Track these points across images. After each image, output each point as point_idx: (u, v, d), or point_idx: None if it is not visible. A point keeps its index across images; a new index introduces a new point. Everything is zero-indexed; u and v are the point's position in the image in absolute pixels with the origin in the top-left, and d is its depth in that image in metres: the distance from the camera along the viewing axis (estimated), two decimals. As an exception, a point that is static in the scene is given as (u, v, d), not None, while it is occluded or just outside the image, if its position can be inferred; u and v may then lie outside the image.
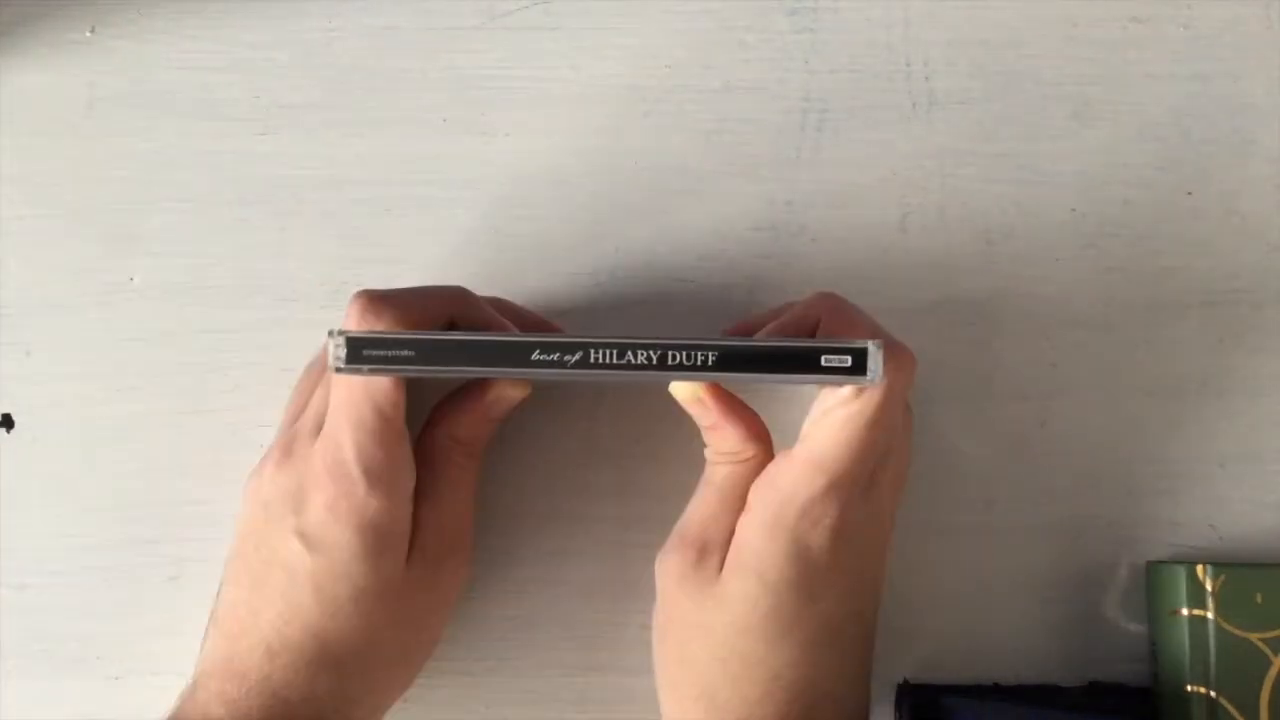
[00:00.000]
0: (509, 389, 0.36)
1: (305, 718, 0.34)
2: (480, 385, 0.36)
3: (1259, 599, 0.36)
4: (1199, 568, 0.37)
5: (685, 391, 0.35)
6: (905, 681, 0.39)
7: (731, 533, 0.35)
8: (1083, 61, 0.44)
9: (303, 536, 0.33)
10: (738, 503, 0.35)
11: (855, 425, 0.32)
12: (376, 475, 0.33)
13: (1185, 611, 0.37)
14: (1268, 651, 0.36)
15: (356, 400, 0.32)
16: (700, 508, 0.36)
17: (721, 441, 0.36)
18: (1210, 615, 0.36)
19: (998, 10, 0.44)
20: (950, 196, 0.43)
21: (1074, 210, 0.42)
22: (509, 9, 0.44)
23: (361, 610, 0.34)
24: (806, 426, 0.34)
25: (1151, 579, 0.39)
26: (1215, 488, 0.41)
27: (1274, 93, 0.43)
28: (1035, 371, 0.41)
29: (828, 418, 0.32)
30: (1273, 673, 0.36)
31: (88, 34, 0.44)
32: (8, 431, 0.41)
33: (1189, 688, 0.36)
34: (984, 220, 0.42)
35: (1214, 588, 0.36)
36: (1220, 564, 0.37)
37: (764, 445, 0.35)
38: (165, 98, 0.43)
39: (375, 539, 0.33)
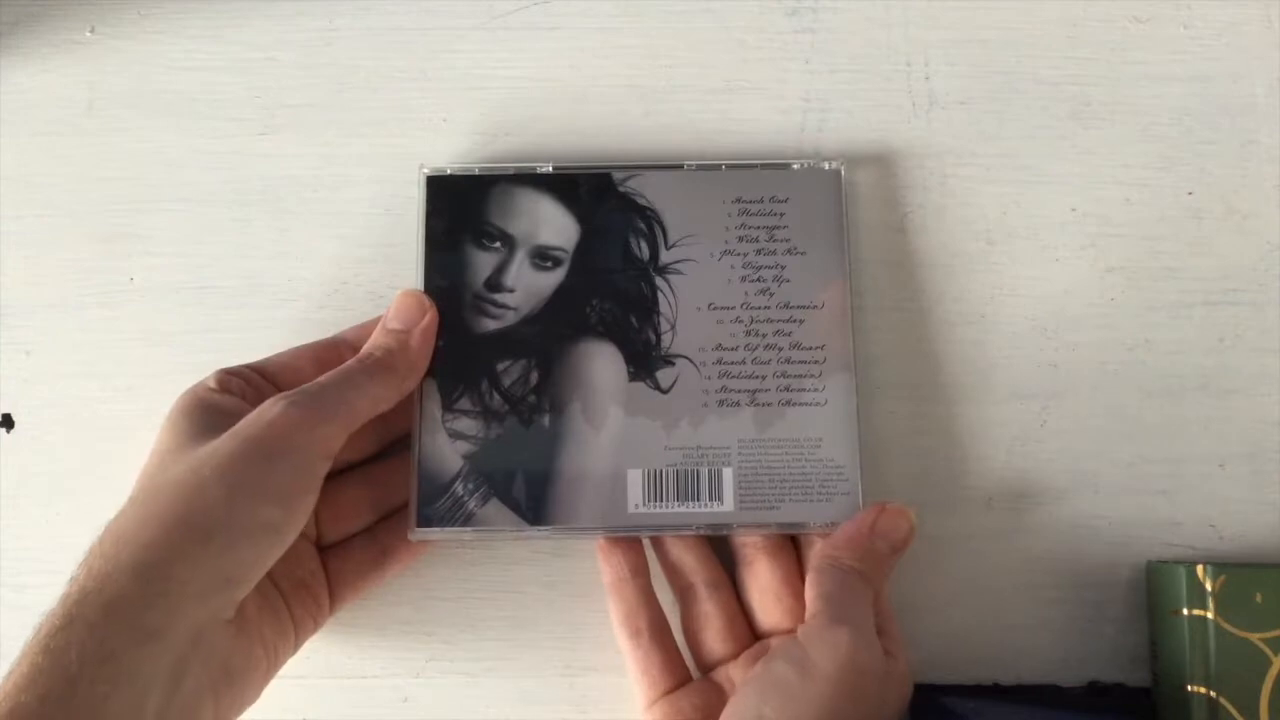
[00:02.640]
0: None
1: (104, 599, 0.30)
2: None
3: (1259, 599, 0.36)
4: (1199, 568, 0.37)
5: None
6: (905, 681, 0.39)
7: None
8: (1083, 61, 0.44)
9: None
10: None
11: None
12: (230, 376, 0.37)
13: (1185, 611, 0.37)
14: (1268, 651, 0.36)
15: None
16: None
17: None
18: (1210, 615, 0.36)
19: (998, 10, 0.44)
20: (950, 196, 0.43)
21: (1074, 210, 0.42)
22: (509, 9, 0.44)
23: (156, 468, 0.34)
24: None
25: (1151, 579, 0.39)
26: (1215, 488, 0.41)
27: (1274, 93, 0.43)
28: (1035, 371, 0.41)
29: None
30: (1273, 673, 0.36)
31: (88, 34, 0.44)
32: (8, 431, 0.41)
33: (1189, 688, 0.36)
34: (984, 220, 0.42)
35: (1214, 588, 0.36)
36: (1220, 564, 0.37)
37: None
38: (165, 98, 0.43)
39: (187, 407, 0.35)
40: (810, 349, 0.39)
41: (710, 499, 0.38)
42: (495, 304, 0.39)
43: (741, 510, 0.38)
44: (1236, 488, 0.41)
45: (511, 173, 0.40)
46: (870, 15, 0.44)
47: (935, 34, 0.44)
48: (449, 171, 0.40)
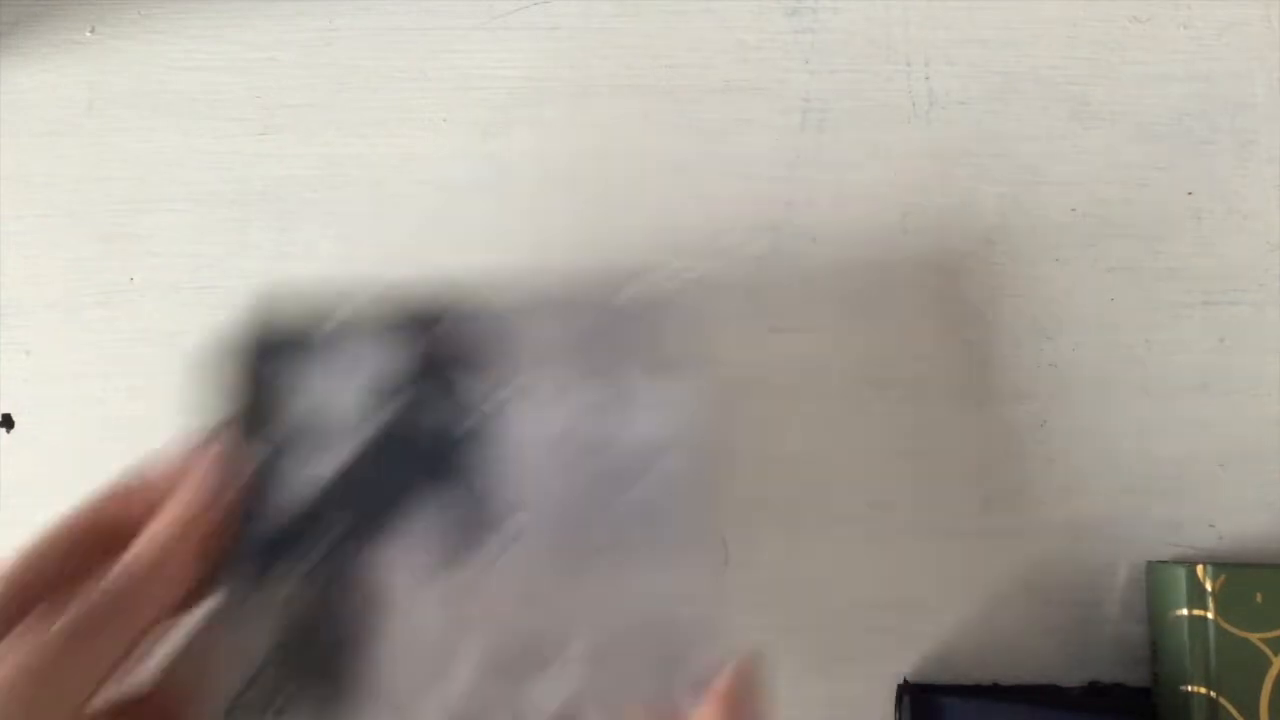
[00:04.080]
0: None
1: None
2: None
3: (1259, 599, 0.36)
4: (1199, 568, 0.37)
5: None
6: (905, 681, 0.39)
7: None
8: (1083, 61, 0.44)
9: None
10: None
11: None
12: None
13: (1185, 611, 0.37)
14: (1268, 651, 0.36)
15: None
16: None
17: None
18: (1210, 615, 0.36)
19: (998, 10, 0.44)
20: (950, 196, 0.43)
21: (1074, 210, 0.42)
22: (509, 9, 0.44)
23: None
24: None
25: (1151, 579, 0.39)
26: (1215, 488, 0.41)
27: (1274, 93, 0.43)
28: (1035, 371, 0.41)
29: None
30: (1273, 673, 0.36)
31: (88, 34, 0.44)
32: (8, 431, 0.41)
33: (1189, 688, 0.36)
34: (984, 220, 0.42)
35: (1214, 588, 0.36)
36: (1220, 564, 0.37)
37: None
38: (165, 98, 0.43)
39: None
40: (666, 502, 0.32)
41: (555, 676, 0.31)
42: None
43: (593, 687, 0.30)
44: (1236, 488, 0.41)
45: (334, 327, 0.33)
46: (870, 15, 0.44)
47: (935, 34, 0.44)
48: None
